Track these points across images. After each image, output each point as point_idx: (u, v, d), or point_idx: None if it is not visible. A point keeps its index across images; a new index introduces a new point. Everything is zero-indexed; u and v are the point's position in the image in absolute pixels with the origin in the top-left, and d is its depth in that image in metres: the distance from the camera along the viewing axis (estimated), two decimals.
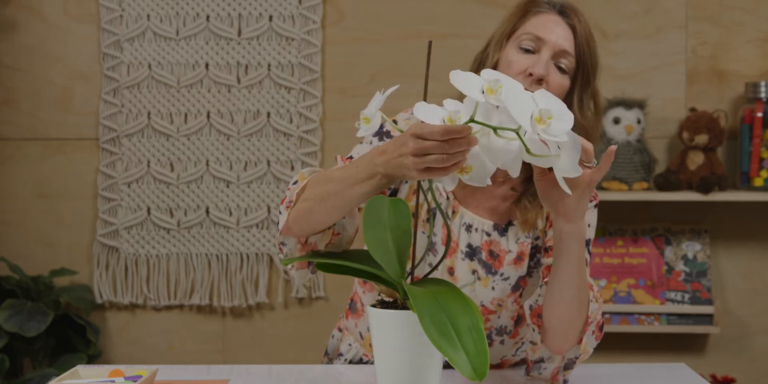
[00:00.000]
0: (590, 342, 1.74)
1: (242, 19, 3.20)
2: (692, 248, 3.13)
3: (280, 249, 1.73)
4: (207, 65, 3.21)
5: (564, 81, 1.78)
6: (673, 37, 3.16)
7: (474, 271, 1.81)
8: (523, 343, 1.89)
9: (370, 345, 1.92)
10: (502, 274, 1.81)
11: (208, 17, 3.20)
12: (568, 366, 1.76)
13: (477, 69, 1.85)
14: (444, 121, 1.40)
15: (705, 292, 3.09)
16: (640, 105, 3.08)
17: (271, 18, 3.20)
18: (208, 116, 3.21)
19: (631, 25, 3.17)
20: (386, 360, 1.51)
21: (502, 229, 1.82)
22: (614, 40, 3.16)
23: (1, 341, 2.95)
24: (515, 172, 1.41)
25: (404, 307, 1.51)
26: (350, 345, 1.96)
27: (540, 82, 1.76)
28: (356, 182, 1.55)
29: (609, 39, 3.16)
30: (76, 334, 3.11)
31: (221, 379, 1.81)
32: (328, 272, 1.68)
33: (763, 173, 3.03)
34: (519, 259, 1.82)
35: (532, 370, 1.79)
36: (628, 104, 3.06)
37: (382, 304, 1.54)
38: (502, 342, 1.86)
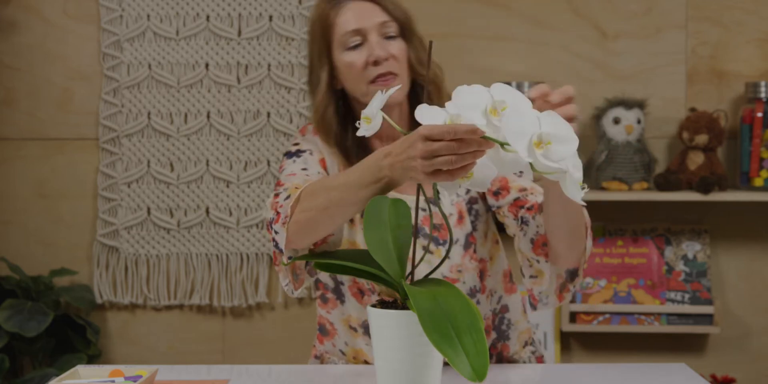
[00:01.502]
0: (589, 244, 1.76)
1: (242, 19, 3.20)
2: (692, 248, 3.13)
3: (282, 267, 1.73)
4: (207, 65, 3.21)
5: (401, 44, 1.84)
6: (673, 37, 3.16)
7: (424, 248, 1.82)
8: (493, 294, 1.90)
9: (354, 357, 1.92)
10: (452, 240, 1.82)
11: (208, 17, 3.20)
12: (572, 277, 1.78)
13: (313, 91, 1.88)
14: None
15: (705, 292, 3.09)
16: (640, 105, 3.07)
17: (271, 18, 3.19)
18: (208, 116, 3.21)
19: (631, 25, 3.17)
20: (386, 360, 1.51)
21: (433, 199, 1.82)
22: (614, 40, 3.16)
23: (1, 341, 2.95)
24: (529, 173, 1.42)
25: (404, 307, 1.51)
26: (335, 365, 1.96)
27: (388, 60, 1.80)
28: (361, 187, 1.55)
29: (609, 39, 3.16)
30: (76, 334, 3.11)
31: (221, 379, 1.81)
32: (328, 272, 1.68)
33: (763, 173, 3.03)
34: (460, 218, 1.84)
35: (539, 304, 1.81)
36: (628, 104, 3.06)
37: (382, 304, 1.54)
38: (478, 302, 1.87)
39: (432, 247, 1.85)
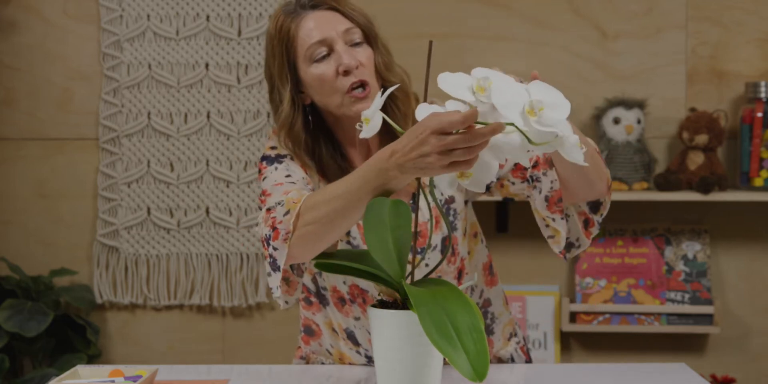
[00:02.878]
0: (607, 171, 1.75)
1: (242, 19, 3.20)
2: (692, 248, 3.13)
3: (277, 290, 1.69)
4: (207, 65, 3.21)
5: (368, 51, 1.79)
6: (673, 37, 3.16)
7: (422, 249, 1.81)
8: (474, 289, 1.89)
9: (340, 359, 1.92)
10: (429, 246, 1.81)
11: (208, 17, 3.20)
12: (595, 208, 1.76)
13: (276, 110, 1.82)
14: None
15: (705, 292, 3.09)
16: (640, 105, 3.08)
17: (271, 18, 3.19)
18: (208, 116, 3.21)
19: (631, 25, 3.17)
20: (386, 360, 1.51)
21: (411, 206, 1.80)
22: (614, 40, 3.16)
23: (1, 341, 2.95)
24: (525, 161, 1.41)
25: (404, 307, 1.51)
26: (323, 364, 1.95)
27: (357, 68, 1.76)
28: (367, 192, 1.52)
29: (609, 39, 3.16)
30: (76, 334, 3.11)
31: (221, 379, 1.81)
32: (328, 272, 1.68)
33: (763, 173, 3.03)
34: (436, 221, 1.82)
35: (569, 253, 1.79)
36: (628, 104, 3.06)
37: (382, 304, 1.54)
38: None
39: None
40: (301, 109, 1.81)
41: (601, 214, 1.77)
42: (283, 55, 1.79)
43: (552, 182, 1.72)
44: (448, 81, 1.39)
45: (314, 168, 1.83)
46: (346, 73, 1.75)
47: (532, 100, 1.35)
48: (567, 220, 1.76)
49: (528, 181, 1.77)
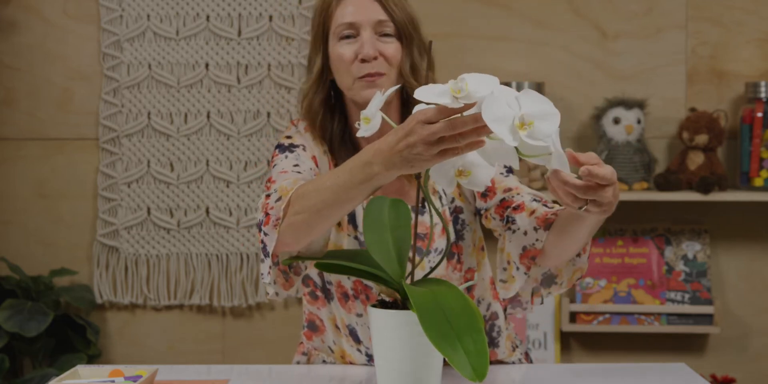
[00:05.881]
0: (586, 261, 1.78)
1: (242, 19, 3.20)
2: (692, 248, 3.13)
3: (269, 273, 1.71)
4: (207, 65, 3.21)
5: (395, 45, 1.83)
6: (673, 37, 3.16)
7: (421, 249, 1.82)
8: (481, 301, 1.90)
9: (342, 357, 1.92)
10: (436, 249, 1.82)
11: (208, 17, 3.20)
12: (550, 282, 1.78)
13: (308, 75, 1.89)
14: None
15: (705, 292, 3.09)
16: (640, 105, 3.08)
17: (271, 18, 3.20)
18: (208, 116, 3.21)
19: (631, 25, 3.17)
20: (386, 360, 1.51)
21: (420, 208, 1.80)
22: (614, 40, 3.16)
23: (1, 341, 2.95)
24: (516, 165, 1.41)
25: (404, 307, 1.51)
26: (324, 362, 1.95)
27: (376, 59, 1.80)
28: (352, 187, 1.53)
29: (609, 39, 3.16)
30: (76, 334, 3.11)
31: (221, 379, 1.81)
32: (328, 272, 1.68)
33: (763, 173, 3.03)
34: (443, 226, 1.82)
35: (509, 307, 1.83)
36: (628, 104, 3.06)
37: (382, 304, 1.54)
38: None
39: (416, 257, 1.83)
40: (327, 82, 1.87)
41: (549, 293, 1.80)
42: (320, 26, 1.86)
43: (537, 240, 1.74)
44: (424, 92, 1.39)
45: (327, 149, 1.88)
46: (363, 61, 1.80)
47: (523, 114, 1.33)
48: (526, 277, 1.79)
49: (504, 220, 1.79)
